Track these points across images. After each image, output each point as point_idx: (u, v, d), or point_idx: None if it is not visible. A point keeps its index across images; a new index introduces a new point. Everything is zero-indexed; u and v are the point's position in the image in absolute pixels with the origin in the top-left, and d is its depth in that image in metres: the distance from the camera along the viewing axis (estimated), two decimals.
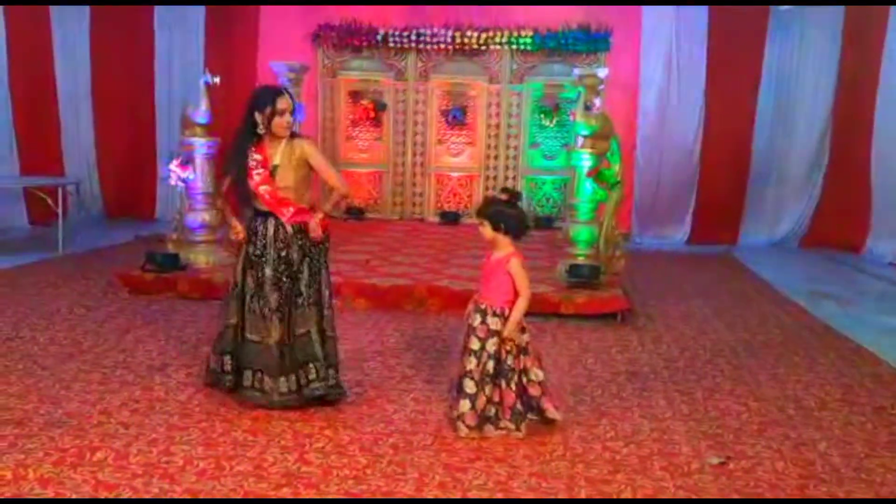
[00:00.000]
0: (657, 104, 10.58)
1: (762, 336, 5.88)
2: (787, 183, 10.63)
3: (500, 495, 3.18)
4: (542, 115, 10.83)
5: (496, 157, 10.99)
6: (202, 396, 4.19)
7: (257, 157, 3.95)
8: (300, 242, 3.96)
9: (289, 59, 9.72)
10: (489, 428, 3.73)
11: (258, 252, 3.97)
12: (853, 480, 3.43)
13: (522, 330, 3.80)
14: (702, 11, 10.29)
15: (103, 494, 3.06)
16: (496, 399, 3.74)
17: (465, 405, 3.72)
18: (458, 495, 3.17)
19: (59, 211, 8.39)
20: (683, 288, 7.64)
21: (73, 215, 9.32)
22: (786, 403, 4.39)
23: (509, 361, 3.72)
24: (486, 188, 10.99)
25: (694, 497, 3.24)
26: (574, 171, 7.21)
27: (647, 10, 10.41)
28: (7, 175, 9.84)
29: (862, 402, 4.47)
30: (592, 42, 10.41)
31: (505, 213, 3.74)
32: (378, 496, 3.14)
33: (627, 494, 3.24)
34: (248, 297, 3.98)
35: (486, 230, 3.75)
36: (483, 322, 3.73)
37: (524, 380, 3.78)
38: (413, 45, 10.72)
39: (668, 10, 10.36)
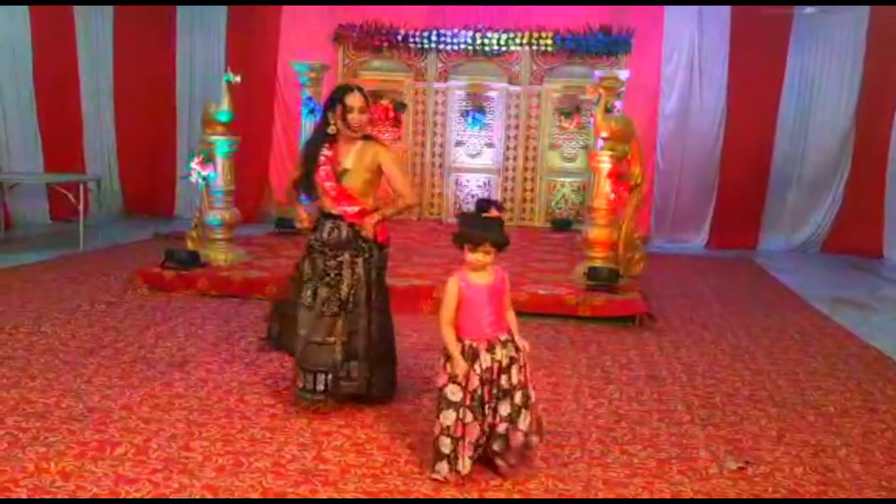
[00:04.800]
0: (678, 107, 10.54)
1: (782, 342, 5.84)
2: (807, 187, 10.55)
3: (517, 496, 3.17)
4: (562, 117, 10.83)
5: (515, 159, 10.99)
6: (221, 393, 4.22)
7: (327, 153, 4.00)
8: (357, 244, 3.96)
9: (309, 59, 9.75)
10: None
11: (317, 247, 4.01)
12: (874, 488, 3.40)
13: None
14: (724, 13, 10.24)
15: (123, 488, 3.09)
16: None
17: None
18: (475, 495, 3.16)
19: (81, 207, 8.48)
20: (703, 292, 7.61)
21: (94, 212, 9.41)
22: (805, 409, 4.35)
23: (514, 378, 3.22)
24: (505, 189, 11.00)
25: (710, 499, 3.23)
26: (593, 173, 7.20)
27: (669, 12, 10.38)
28: (30, 171, 9.95)
29: (883, 409, 4.42)
30: (613, 44, 10.40)
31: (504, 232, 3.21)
32: (395, 495, 3.15)
33: (645, 497, 3.22)
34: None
35: (491, 255, 3.21)
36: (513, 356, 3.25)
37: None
38: (433, 45, 10.75)
39: (691, 11, 10.31)
